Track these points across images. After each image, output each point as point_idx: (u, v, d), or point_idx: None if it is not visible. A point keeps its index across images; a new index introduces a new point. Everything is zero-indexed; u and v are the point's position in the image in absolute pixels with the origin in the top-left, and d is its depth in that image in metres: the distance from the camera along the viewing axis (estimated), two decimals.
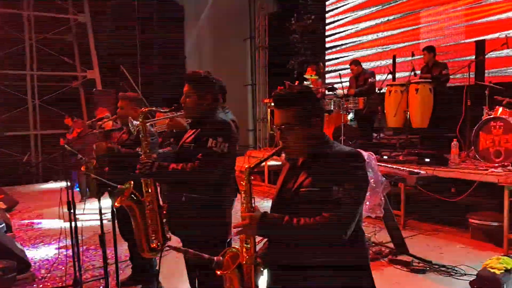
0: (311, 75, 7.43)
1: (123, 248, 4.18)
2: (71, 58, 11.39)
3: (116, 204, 2.44)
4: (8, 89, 10.50)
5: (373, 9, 8.97)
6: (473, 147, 5.26)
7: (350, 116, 7.47)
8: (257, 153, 8.76)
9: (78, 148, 5.45)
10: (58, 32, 11.05)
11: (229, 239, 2.55)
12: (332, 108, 7.07)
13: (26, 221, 6.29)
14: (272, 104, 1.77)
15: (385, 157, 5.88)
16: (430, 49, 6.41)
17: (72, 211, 3.39)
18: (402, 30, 8.38)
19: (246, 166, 1.69)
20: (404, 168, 4.36)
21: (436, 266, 3.91)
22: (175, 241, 2.53)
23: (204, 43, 12.19)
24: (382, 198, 3.97)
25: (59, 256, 4.36)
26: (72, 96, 11.29)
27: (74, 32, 11.61)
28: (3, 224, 4.54)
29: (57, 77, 11.27)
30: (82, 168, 3.81)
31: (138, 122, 2.56)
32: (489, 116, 5.20)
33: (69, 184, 3.43)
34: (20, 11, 10.64)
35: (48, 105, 10.79)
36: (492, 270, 3.31)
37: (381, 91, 6.79)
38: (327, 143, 1.72)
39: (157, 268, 3.47)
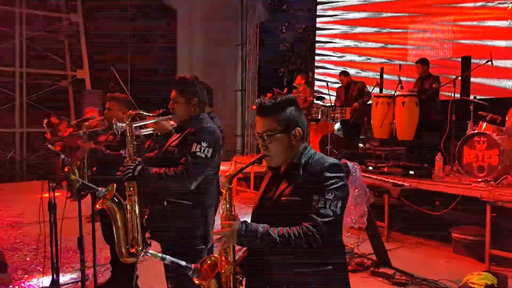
0: (300, 84, 7.48)
1: (104, 251, 4.12)
2: (61, 57, 11.29)
3: (97, 206, 2.41)
4: None
5: (361, 25, 9.12)
6: (457, 161, 5.31)
7: (337, 125, 7.52)
8: (244, 159, 8.75)
9: (69, 147, 5.38)
10: (50, 30, 10.96)
11: (210, 245, 2.53)
12: (319, 117, 7.11)
13: (7, 220, 6.17)
14: (256, 111, 1.77)
15: (370, 167, 5.92)
16: (423, 62, 6.49)
17: (52, 212, 3.35)
18: (390, 46, 8.53)
19: (226, 174, 1.69)
20: (389, 180, 4.39)
21: (418, 280, 3.93)
22: (155, 246, 2.50)
23: (196, 47, 12.19)
24: (366, 209, 3.98)
25: (38, 257, 4.28)
26: (61, 95, 11.18)
27: (66, 31, 11.52)
28: None
29: (46, 75, 11.14)
30: (65, 169, 3.75)
31: (123, 124, 2.54)
32: (473, 131, 5.26)
33: (51, 184, 3.38)
34: (12, 7, 10.53)
35: (35, 103, 10.65)
36: (472, 286, 3.33)
37: (368, 103, 6.86)
38: (308, 152, 1.73)
39: (136, 273, 3.44)
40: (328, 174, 1.61)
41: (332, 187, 1.59)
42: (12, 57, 10.62)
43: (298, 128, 1.70)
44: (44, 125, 8.58)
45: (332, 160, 1.68)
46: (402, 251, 4.88)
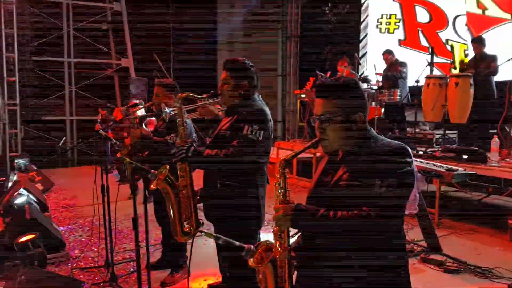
0: (345, 66, 7.28)
1: (154, 232, 4.25)
2: (106, 46, 11.65)
3: (152, 186, 2.46)
4: (47, 75, 10.89)
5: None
6: None
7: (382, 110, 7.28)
8: (286, 144, 8.70)
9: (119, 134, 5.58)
10: (95, 20, 11.32)
11: (261, 228, 2.53)
12: None
13: (62, 203, 6.52)
14: (316, 91, 1.69)
15: (420, 152, 5.70)
16: (478, 41, 6.09)
17: (105, 194, 3.49)
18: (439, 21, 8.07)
19: (281, 158, 1.64)
20: (441, 165, 4.19)
21: (471, 267, 3.76)
22: (207, 226, 2.53)
23: (236, 32, 12.14)
24: (417, 195, 3.84)
25: (92, 238, 4.48)
26: (107, 84, 11.59)
27: (110, 21, 11.85)
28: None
29: (92, 64, 11.56)
30: (117, 154, 3.88)
31: (171, 109, 2.56)
32: None
33: (104, 168, 3.51)
34: None
35: (83, 92, 11.11)
36: None
37: (418, 84, 6.54)
38: (370, 136, 1.64)
39: (187, 253, 3.52)
40: (393, 159, 1.53)
41: (397, 172, 1.50)
42: (60, 48, 11.08)
43: (360, 113, 1.62)
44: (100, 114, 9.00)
45: (398, 144, 1.58)
46: (454, 238, 4.69)
